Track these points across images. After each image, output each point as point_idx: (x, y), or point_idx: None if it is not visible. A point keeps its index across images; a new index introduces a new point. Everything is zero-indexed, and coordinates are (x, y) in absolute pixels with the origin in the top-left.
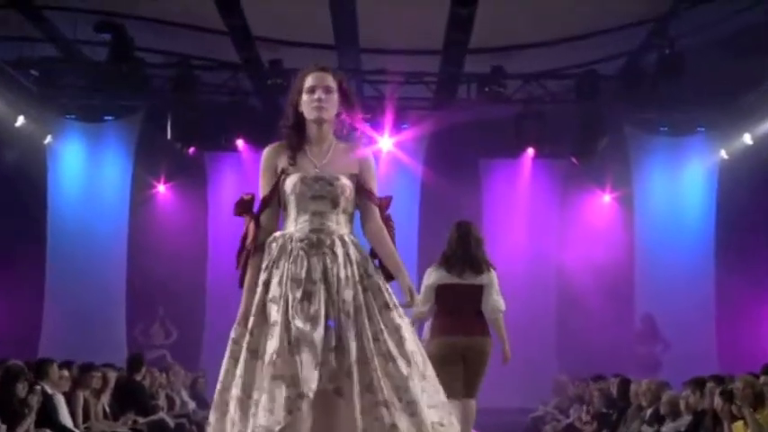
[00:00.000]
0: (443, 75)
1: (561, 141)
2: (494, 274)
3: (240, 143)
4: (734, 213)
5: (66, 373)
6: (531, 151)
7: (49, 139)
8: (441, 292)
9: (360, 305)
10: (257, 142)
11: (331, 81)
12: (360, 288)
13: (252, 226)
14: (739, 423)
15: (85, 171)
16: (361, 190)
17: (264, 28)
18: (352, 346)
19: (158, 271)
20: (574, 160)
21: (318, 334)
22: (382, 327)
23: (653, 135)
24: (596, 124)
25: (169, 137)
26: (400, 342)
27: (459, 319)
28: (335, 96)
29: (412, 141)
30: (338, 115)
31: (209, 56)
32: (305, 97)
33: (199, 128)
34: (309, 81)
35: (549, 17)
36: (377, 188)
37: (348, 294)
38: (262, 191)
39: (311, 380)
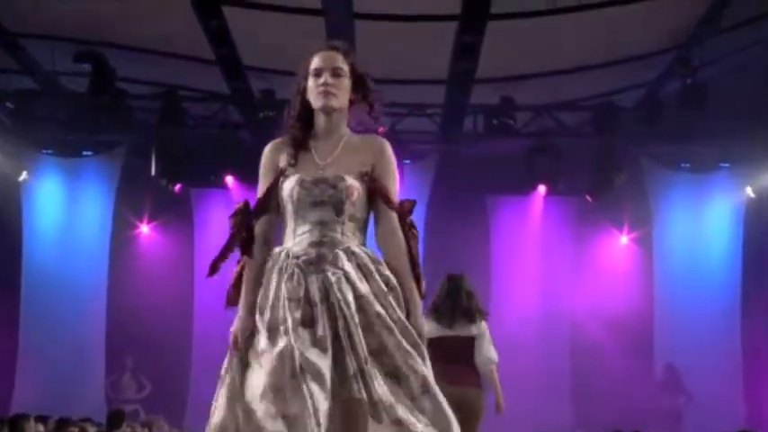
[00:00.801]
0: (449, 106)
1: (575, 177)
2: (485, 324)
3: (229, 179)
4: (761, 256)
5: (41, 428)
6: (542, 188)
7: (24, 175)
8: (431, 344)
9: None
10: (248, 179)
11: (341, 62)
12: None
13: (244, 236)
14: None
15: (63, 210)
16: (374, 190)
17: (255, 57)
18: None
19: (139, 319)
20: (588, 198)
21: (326, 363)
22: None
23: (674, 171)
24: (613, 159)
25: (153, 173)
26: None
27: (451, 371)
28: (347, 81)
29: (415, 177)
30: (351, 103)
31: (196, 86)
32: (310, 82)
33: (185, 163)
34: (316, 62)
35: (563, 45)
36: (396, 187)
37: (363, 314)
38: (258, 195)
39: (323, 415)
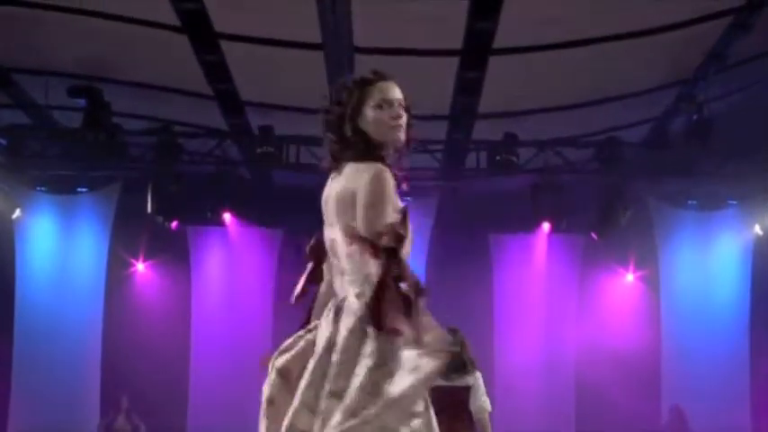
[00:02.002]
0: (450, 142)
1: (580, 215)
2: (479, 374)
3: (227, 217)
4: None
5: None
6: (546, 226)
7: (17, 213)
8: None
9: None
10: (246, 216)
11: (403, 96)
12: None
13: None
14: None
15: (57, 248)
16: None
17: (254, 92)
18: None
19: (135, 359)
20: (594, 236)
21: None
22: None
23: (680, 209)
24: (618, 196)
25: (149, 210)
26: None
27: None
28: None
29: (416, 215)
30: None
31: (193, 122)
32: (376, 112)
33: (182, 200)
34: (384, 93)
35: (567, 80)
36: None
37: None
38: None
39: None
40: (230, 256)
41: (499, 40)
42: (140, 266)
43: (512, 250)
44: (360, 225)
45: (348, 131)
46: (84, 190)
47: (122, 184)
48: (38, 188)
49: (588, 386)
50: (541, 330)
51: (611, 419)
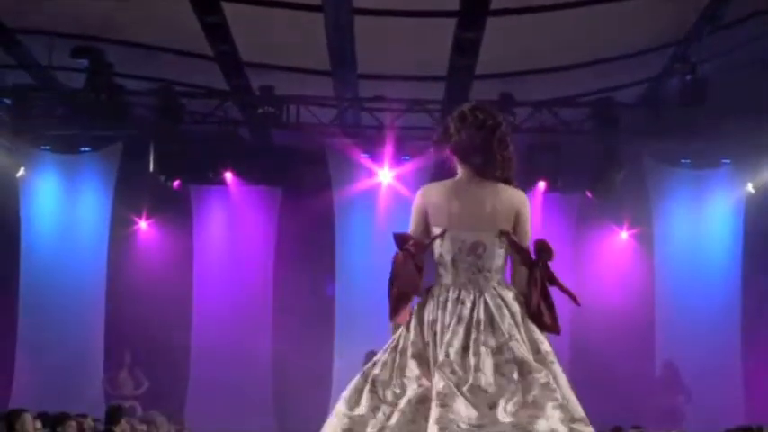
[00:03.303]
0: (448, 102)
1: (575, 174)
2: None
3: (228, 176)
4: (761, 252)
5: (39, 423)
6: (542, 185)
7: (22, 171)
8: None
9: None
10: (246, 175)
11: None
12: None
13: None
14: None
15: (61, 207)
16: None
17: (255, 53)
18: None
19: (138, 315)
20: (589, 194)
21: None
22: None
23: (674, 168)
24: (613, 156)
25: (151, 169)
26: None
27: None
28: None
29: (414, 174)
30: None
31: (194, 82)
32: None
33: (184, 160)
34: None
35: (562, 41)
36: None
37: None
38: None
39: None
40: (231, 214)
41: (496, 2)
42: (143, 224)
43: None
44: (523, 239)
45: (506, 158)
46: (87, 149)
47: (125, 144)
48: (42, 147)
49: (583, 341)
50: None
51: (606, 374)
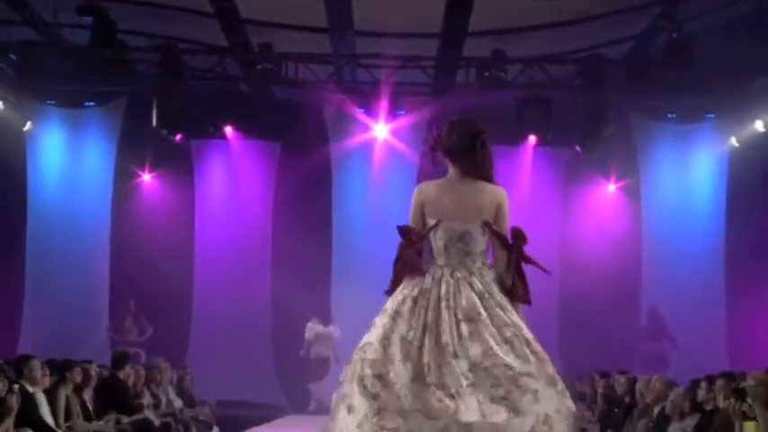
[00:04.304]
0: (441, 59)
1: (564, 128)
2: None
3: (228, 130)
4: (745, 204)
5: (46, 369)
6: (532, 139)
7: (28, 125)
8: None
9: None
10: (246, 129)
11: None
12: None
13: None
14: (751, 423)
15: (66, 160)
16: None
17: (254, 10)
18: None
19: (141, 264)
20: (578, 148)
21: None
22: None
23: (660, 122)
24: (601, 111)
25: (154, 124)
26: None
27: None
28: None
29: (408, 129)
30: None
31: (195, 39)
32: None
33: (185, 114)
34: None
35: None
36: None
37: None
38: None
39: None
40: (231, 168)
41: None
42: (146, 177)
43: (499, 162)
44: (502, 228)
45: (487, 160)
46: (91, 104)
47: (128, 99)
48: (47, 102)
49: (572, 292)
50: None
51: (594, 322)
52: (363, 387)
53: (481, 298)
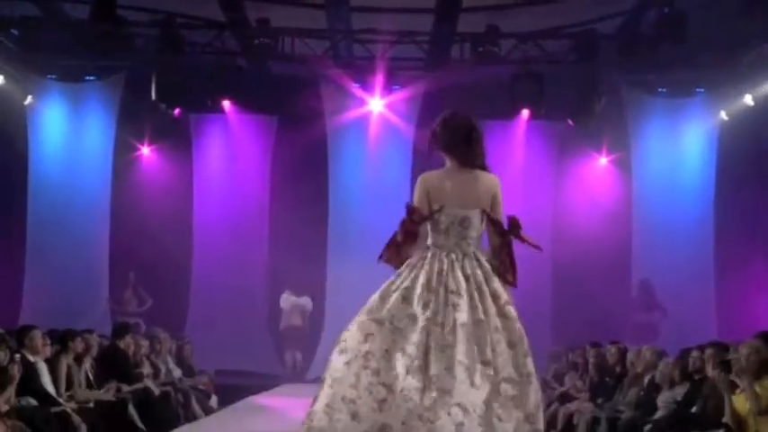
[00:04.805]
0: (436, 34)
1: (557, 103)
2: None
3: (226, 104)
4: (734, 177)
5: (47, 339)
6: (525, 113)
7: (29, 99)
8: None
9: None
10: (244, 104)
11: None
12: None
13: None
14: (741, 396)
15: (67, 133)
16: None
17: None
18: None
19: (141, 236)
20: (570, 122)
21: None
22: None
23: (652, 97)
24: (594, 85)
25: (153, 98)
26: None
27: None
28: None
29: (403, 103)
30: None
31: (194, 14)
32: None
33: (184, 89)
34: None
35: None
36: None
37: None
38: None
39: None
40: (229, 141)
41: None
42: (145, 150)
43: (493, 136)
44: (497, 214)
45: (480, 151)
46: (91, 78)
47: (128, 74)
48: (48, 76)
49: (564, 263)
50: (520, 210)
51: (586, 293)
52: (359, 328)
53: (467, 280)
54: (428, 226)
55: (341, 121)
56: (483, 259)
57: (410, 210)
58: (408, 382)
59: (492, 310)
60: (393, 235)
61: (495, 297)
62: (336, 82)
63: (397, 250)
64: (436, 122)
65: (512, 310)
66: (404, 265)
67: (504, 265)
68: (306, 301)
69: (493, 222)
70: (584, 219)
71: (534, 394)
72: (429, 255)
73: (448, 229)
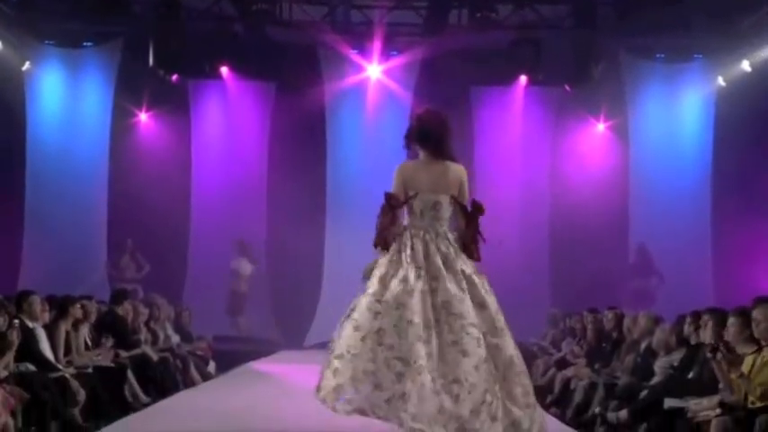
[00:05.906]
0: (433, 1)
1: (555, 68)
2: None
3: (224, 71)
4: (731, 142)
5: (46, 304)
6: (523, 79)
7: (27, 65)
8: None
9: None
10: (241, 70)
11: None
12: None
13: None
14: (749, 358)
15: (65, 99)
16: None
17: None
18: None
19: (139, 202)
20: (567, 88)
21: None
22: None
23: (649, 62)
24: (591, 51)
25: (151, 64)
26: None
27: None
28: None
29: (401, 69)
30: None
31: None
32: None
33: (182, 55)
34: None
35: None
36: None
37: None
38: None
39: None
40: (227, 107)
41: None
42: (143, 116)
43: (491, 102)
44: (463, 199)
45: (450, 144)
46: (89, 44)
47: (126, 39)
48: (46, 42)
49: (561, 225)
50: (518, 175)
51: (583, 259)
52: (367, 307)
53: (444, 260)
54: (405, 209)
55: (339, 87)
56: (452, 238)
57: (389, 197)
58: (417, 351)
59: (462, 280)
60: (379, 222)
61: (463, 270)
62: (334, 48)
63: (385, 235)
64: (412, 118)
65: (475, 279)
66: (390, 250)
67: (469, 242)
68: (252, 268)
69: (460, 206)
70: (581, 184)
71: (510, 340)
72: (409, 235)
73: (422, 213)
